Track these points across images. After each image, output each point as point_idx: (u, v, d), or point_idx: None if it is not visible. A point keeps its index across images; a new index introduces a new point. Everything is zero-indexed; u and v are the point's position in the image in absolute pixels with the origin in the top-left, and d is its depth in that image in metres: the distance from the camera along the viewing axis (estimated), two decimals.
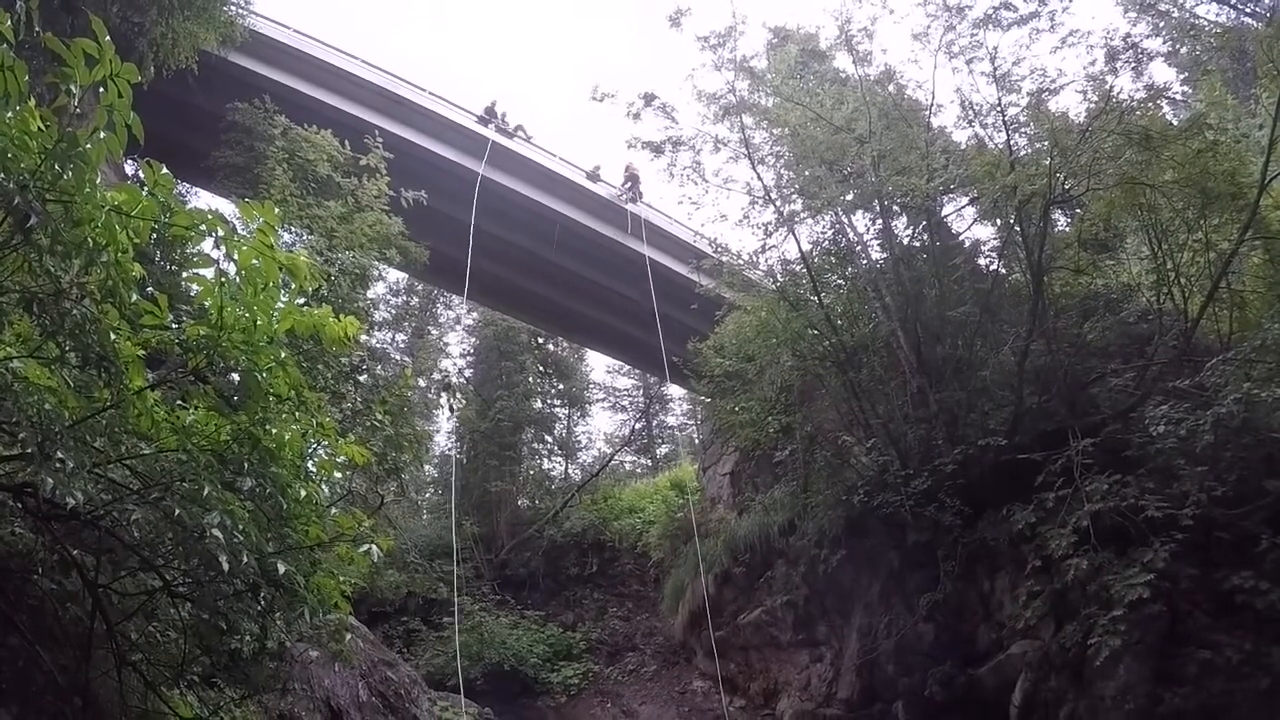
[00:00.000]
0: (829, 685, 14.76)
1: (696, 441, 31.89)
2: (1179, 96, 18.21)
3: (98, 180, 3.82)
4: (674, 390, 35.42)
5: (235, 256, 4.19)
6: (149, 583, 4.95)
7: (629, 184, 22.81)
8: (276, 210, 4.25)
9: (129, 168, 14.26)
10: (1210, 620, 9.29)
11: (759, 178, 15.86)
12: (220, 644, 5.21)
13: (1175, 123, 13.47)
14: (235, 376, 4.67)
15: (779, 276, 16.08)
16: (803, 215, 16.16)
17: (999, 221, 14.63)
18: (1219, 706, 8.81)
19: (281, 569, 4.56)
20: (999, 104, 13.28)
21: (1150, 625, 9.31)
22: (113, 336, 4.17)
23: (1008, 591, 11.65)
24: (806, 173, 15.55)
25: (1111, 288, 13.68)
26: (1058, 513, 10.54)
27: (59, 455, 3.75)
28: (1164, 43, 13.54)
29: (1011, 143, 13.16)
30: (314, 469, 5.46)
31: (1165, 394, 10.71)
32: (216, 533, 4.07)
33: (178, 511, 4.17)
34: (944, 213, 15.91)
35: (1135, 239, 13.86)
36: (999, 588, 11.88)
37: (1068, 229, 14.45)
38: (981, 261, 15.32)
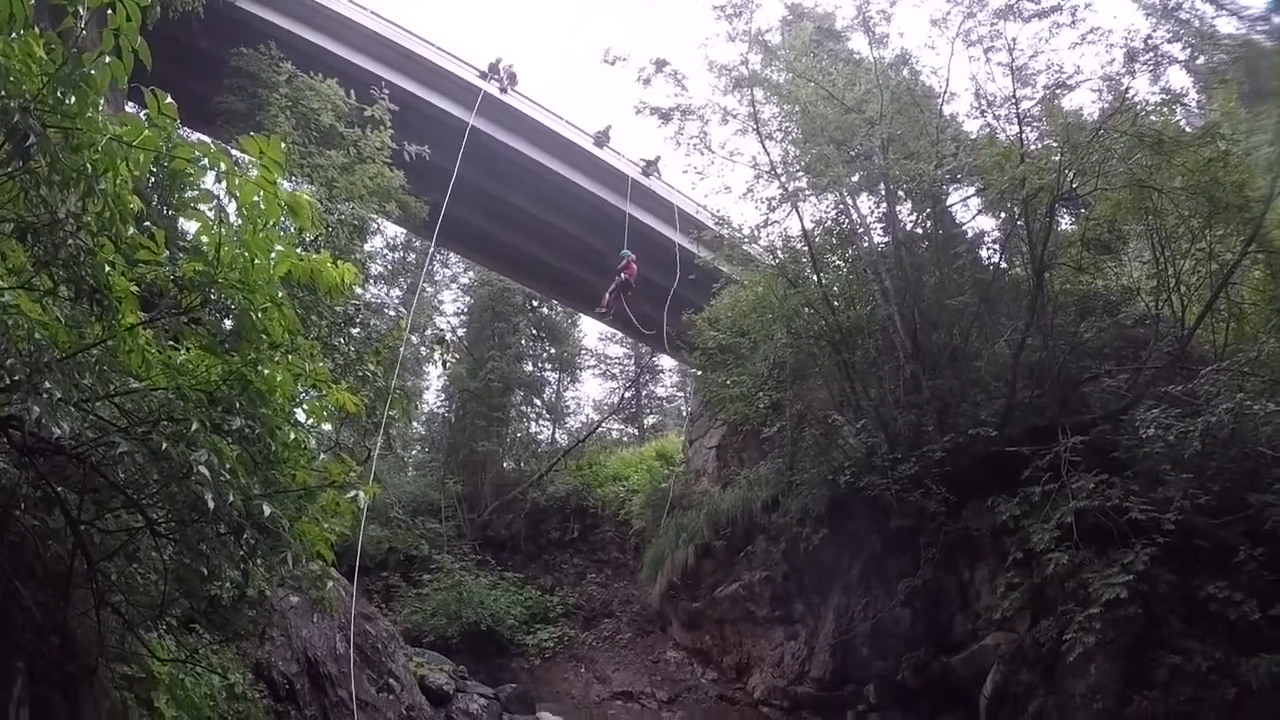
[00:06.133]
0: (802, 663, 14.90)
1: (685, 413, 31.90)
2: (1192, 104, 18.06)
3: (100, 107, 3.73)
4: (665, 361, 35.42)
5: (237, 193, 4.10)
6: (131, 523, 4.90)
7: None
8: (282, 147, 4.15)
9: (129, 109, 14.01)
10: (1183, 626, 9.34)
11: (766, 152, 15.75)
12: (201, 588, 5.17)
13: (1188, 130, 13.37)
14: (228, 324, 4.60)
15: (779, 253, 16.00)
16: (807, 193, 16.06)
17: (1003, 214, 14.54)
18: (1186, 713, 8.88)
19: (267, 511, 4.50)
20: (1013, 96, 13.09)
21: (1125, 626, 9.36)
22: (107, 270, 4.08)
23: (986, 582, 11.72)
24: (814, 150, 15.39)
25: (1111, 289, 13.68)
26: (1042, 507, 10.56)
27: (47, 385, 3.68)
28: (1183, 49, 13.34)
29: (1023, 136, 13.05)
30: (304, 415, 5.40)
31: (1157, 399, 10.69)
32: (203, 469, 4.00)
33: (164, 445, 4.11)
34: (949, 201, 15.83)
35: (1138, 243, 13.81)
36: (978, 578, 11.95)
37: (1072, 227, 14.38)
38: (983, 253, 15.23)
